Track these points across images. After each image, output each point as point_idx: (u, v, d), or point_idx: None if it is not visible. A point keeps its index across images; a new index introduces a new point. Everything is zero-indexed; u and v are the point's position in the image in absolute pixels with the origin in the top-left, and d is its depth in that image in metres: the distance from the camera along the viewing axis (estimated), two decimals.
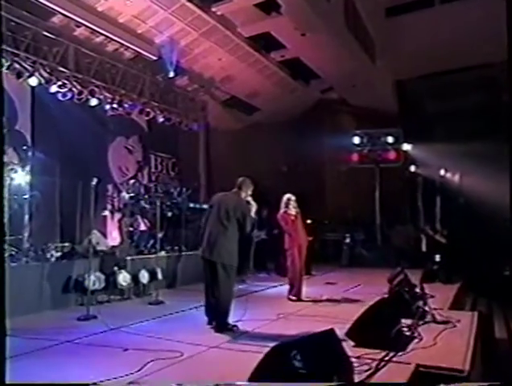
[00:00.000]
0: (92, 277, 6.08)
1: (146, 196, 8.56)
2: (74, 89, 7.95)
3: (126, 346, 4.25)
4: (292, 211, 6.72)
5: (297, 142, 13.25)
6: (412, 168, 12.76)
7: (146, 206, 8.15)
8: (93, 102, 8.42)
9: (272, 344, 4.13)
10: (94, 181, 5.70)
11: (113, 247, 8.21)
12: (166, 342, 4.38)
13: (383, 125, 12.43)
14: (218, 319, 4.85)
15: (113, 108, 9.04)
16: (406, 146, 12.38)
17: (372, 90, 12.67)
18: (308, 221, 14.17)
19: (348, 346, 3.99)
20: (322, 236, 12.58)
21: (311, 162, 13.20)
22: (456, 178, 12.42)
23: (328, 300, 6.65)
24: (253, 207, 4.98)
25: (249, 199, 5.05)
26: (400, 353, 3.81)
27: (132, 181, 8.74)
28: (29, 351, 4.03)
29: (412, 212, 12.71)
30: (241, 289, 7.67)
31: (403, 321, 4.70)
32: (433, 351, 3.84)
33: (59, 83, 7.70)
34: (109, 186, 9.94)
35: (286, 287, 6.97)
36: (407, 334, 4.37)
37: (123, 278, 6.57)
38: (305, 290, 6.91)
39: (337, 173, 12.60)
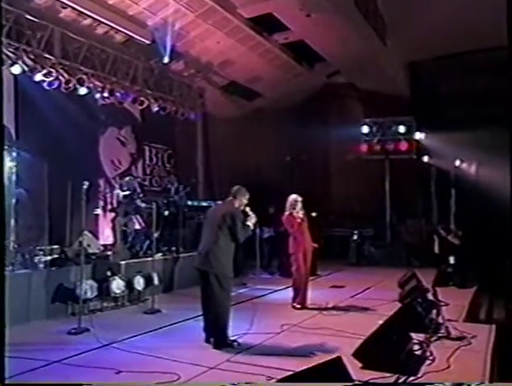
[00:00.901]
0: (84, 286, 6.06)
1: (142, 195, 8.47)
2: (61, 77, 7.79)
3: (119, 366, 4.23)
4: (299, 213, 6.64)
5: (301, 130, 13.13)
6: (425, 159, 12.62)
7: (142, 205, 8.07)
8: (82, 91, 8.28)
9: (276, 364, 4.22)
10: (85, 185, 5.63)
11: (106, 248, 8.21)
12: (162, 362, 4.36)
13: (394, 112, 12.26)
14: (216, 335, 4.82)
15: (103, 98, 8.89)
16: (419, 135, 12.22)
17: (382, 73, 12.47)
18: (313, 214, 14.17)
19: (356, 368, 3.98)
20: (328, 231, 12.55)
21: (317, 151, 13.10)
22: (473, 169, 12.29)
23: (334, 308, 6.62)
24: (253, 218, 4.95)
25: (248, 209, 5.03)
26: (411, 378, 3.78)
27: (127, 178, 8.64)
28: (10, 376, 3.84)
29: (425, 206, 12.63)
30: (242, 294, 7.71)
31: (415, 336, 4.68)
32: (446, 375, 3.80)
33: (45, 71, 7.54)
34: (101, 182, 9.88)
35: (290, 291, 6.95)
36: (419, 353, 4.33)
37: (117, 285, 6.55)
38: (310, 295, 6.89)
39: (344, 164, 12.49)
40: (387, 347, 4.06)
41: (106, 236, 9.39)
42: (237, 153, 12.37)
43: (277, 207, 10.20)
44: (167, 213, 8.22)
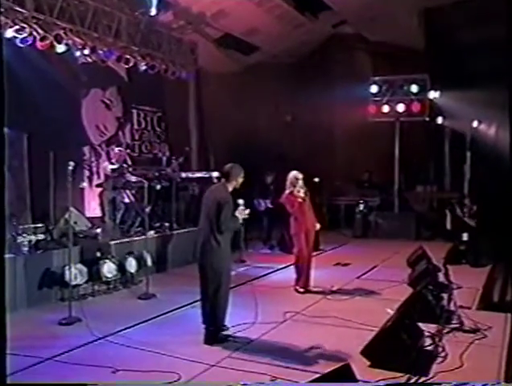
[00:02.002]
0: (73, 270, 6.13)
1: (132, 168, 8.42)
2: (35, 34, 7.51)
3: (115, 363, 4.35)
4: (300, 192, 6.64)
5: (303, 88, 12.89)
6: (439, 120, 12.49)
7: (132, 178, 8.04)
8: (60, 49, 7.99)
9: (279, 361, 4.36)
10: (71, 166, 5.59)
11: (94, 225, 8.24)
12: (160, 359, 4.48)
13: (406, 68, 11.99)
14: (207, 327, 4.93)
15: (84, 56, 8.62)
16: (433, 94, 12.01)
17: (394, 22, 12.14)
18: (315, 179, 14.24)
19: (363, 367, 4.12)
20: (332, 199, 12.62)
21: (320, 112, 12.90)
22: (492, 130, 12.19)
23: (339, 291, 6.76)
24: (246, 211, 4.95)
25: (241, 202, 4.99)
26: (422, 378, 3.92)
27: (117, 149, 8.56)
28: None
29: (437, 172, 12.63)
30: (241, 274, 7.85)
31: (425, 328, 4.81)
32: (459, 375, 3.94)
33: (17, 27, 7.26)
34: (86, 150, 9.80)
35: (292, 270, 7.06)
36: (430, 349, 4.46)
37: (108, 269, 6.64)
38: (314, 274, 6.99)
39: (350, 126, 12.33)
40: (397, 345, 4.18)
41: (93, 208, 9.41)
42: (234, 114, 12.22)
43: (276, 176, 10.24)
44: (158, 187, 8.20)
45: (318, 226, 6.92)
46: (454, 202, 8.68)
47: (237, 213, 4.90)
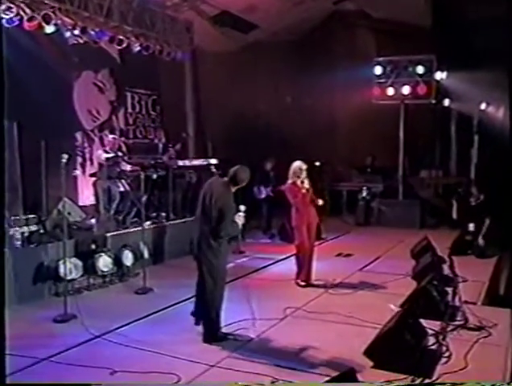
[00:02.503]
0: (68, 265, 6.17)
1: (127, 157, 8.40)
2: (22, 13, 7.41)
3: (113, 363, 4.41)
4: (304, 183, 6.65)
5: (304, 68, 12.80)
6: (446, 102, 12.43)
7: (127, 167, 8.03)
8: (49, 29, 7.88)
9: (280, 361, 4.43)
10: (64, 158, 5.58)
11: (87, 215, 8.27)
12: (159, 359, 4.55)
13: (412, 47, 11.85)
14: (205, 327, 4.99)
15: (75, 36, 8.52)
16: (440, 75, 11.91)
17: None
18: (316, 163, 14.22)
19: (366, 367, 4.20)
20: (334, 185, 12.63)
21: (322, 94, 12.83)
22: (501, 112, 12.13)
23: (341, 284, 6.82)
24: (242, 217, 4.98)
25: (242, 208, 4.99)
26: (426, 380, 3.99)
27: (111, 137, 8.53)
28: None
29: (442, 157, 12.62)
30: (240, 266, 7.92)
31: (429, 325, 4.89)
32: (464, 376, 4.01)
33: (3, 7, 7.15)
34: (78, 135, 9.76)
35: (293, 262, 7.12)
36: (434, 349, 4.54)
37: (104, 263, 6.69)
38: (315, 267, 7.03)
39: (353, 109, 12.25)
40: (400, 345, 4.25)
41: (86, 197, 9.43)
42: (232, 95, 12.16)
43: (277, 163, 10.24)
44: (155, 177, 8.20)
45: (320, 201, 6.80)
46: (461, 191, 8.69)
47: (236, 218, 4.89)
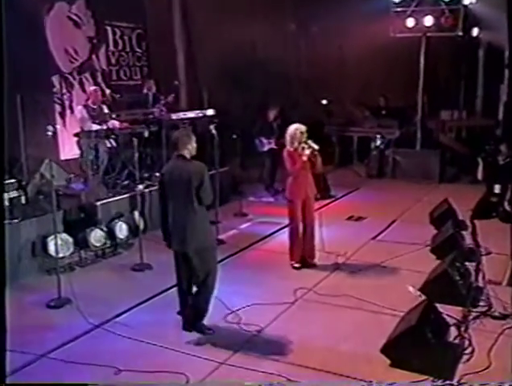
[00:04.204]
0: (58, 241, 6.29)
1: (114, 115, 8.32)
2: None
3: (116, 359, 4.63)
4: (304, 150, 6.44)
5: None
6: (474, 32, 12.08)
7: (116, 125, 7.96)
8: None
9: (293, 358, 4.65)
10: (50, 130, 5.56)
11: (73, 174, 8.31)
12: (164, 354, 4.77)
13: None
14: (195, 318, 5.14)
15: None
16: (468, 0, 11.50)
17: None
18: (324, 102, 14.03)
19: (384, 365, 4.44)
20: (343, 130, 12.56)
21: (330, 22, 12.40)
22: None
23: (352, 259, 6.95)
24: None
25: None
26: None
27: (93, 88, 8.45)
28: None
29: (467, 94, 12.44)
30: (244, 233, 8.08)
31: (449, 314, 5.10)
32: (487, 378, 4.23)
33: None
34: (54, 79, 9.59)
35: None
36: (455, 344, 4.75)
37: (96, 237, 6.81)
38: (325, 233, 6.92)
39: (367, 42, 11.86)
40: (420, 342, 4.45)
41: (68, 150, 9.42)
42: (227, 24, 11.72)
43: (281, 111, 10.13)
44: (147, 134, 8.16)
45: (316, 146, 6.47)
46: (488, 148, 8.66)
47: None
